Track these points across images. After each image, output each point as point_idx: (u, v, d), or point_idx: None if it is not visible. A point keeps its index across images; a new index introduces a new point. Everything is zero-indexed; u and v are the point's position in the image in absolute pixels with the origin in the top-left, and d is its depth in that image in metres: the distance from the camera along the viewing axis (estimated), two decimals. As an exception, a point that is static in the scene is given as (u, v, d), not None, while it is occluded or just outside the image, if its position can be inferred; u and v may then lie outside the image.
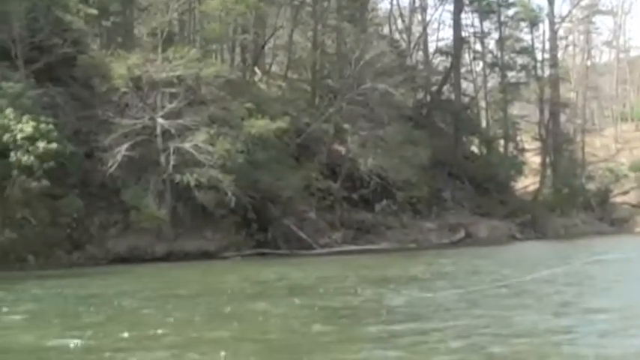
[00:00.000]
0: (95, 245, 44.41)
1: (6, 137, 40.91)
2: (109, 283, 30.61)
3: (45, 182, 41.29)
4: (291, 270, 35.88)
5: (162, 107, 46.54)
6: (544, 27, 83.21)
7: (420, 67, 76.84)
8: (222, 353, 13.60)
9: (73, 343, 15.40)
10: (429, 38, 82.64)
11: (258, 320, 18.64)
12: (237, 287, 27.94)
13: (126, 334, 16.25)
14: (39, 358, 14.39)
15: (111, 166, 44.20)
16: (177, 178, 45.18)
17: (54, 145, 41.32)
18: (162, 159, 45.63)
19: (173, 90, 47.20)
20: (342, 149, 57.44)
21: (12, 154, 40.95)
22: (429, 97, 74.31)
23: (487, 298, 21.74)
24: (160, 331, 16.69)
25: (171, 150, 45.39)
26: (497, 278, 26.66)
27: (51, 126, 41.91)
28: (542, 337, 15.49)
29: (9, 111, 41.30)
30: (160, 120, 45.98)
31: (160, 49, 48.52)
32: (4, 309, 21.54)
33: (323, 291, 24.64)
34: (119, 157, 44.32)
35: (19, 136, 40.93)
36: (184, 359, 13.85)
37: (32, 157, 40.84)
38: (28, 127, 41.07)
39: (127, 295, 25.62)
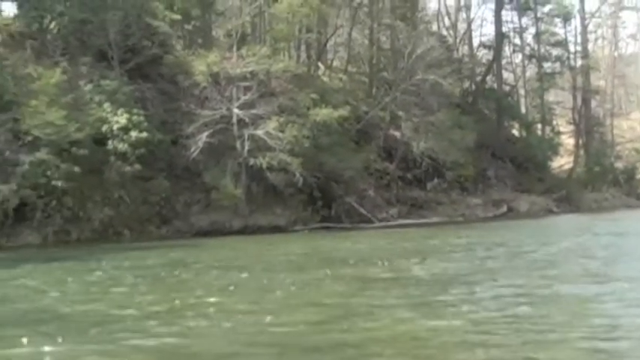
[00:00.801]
0: (181, 220, 44.93)
1: (104, 128, 41.74)
2: (189, 254, 30.91)
3: (137, 166, 42.04)
4: (349, 241, 35.86)
5: (238, 99, 46.84)
6: (576, 22, 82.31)
7: (466, 59, 76.23)
8: (268, 318, 13.44)
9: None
10: (473, 34, 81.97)
11: (309, 287, 18.51)
12: (299, 257, 28.17)
13: (199, 293, 16.55)
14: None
15: (193, 152, 44.68)
16: (252, 161, 45.46)
17: (144, 134, 42.02)
18: (238, 145, 45.96)
19: (247, 84, 47.51)
20: (397, 134, 57.33)
21: (109, 142, 41.77)
22: (474, 87, 73.77)
23: (520, 266, 21.44)
24: (212, 299, 16.60)
25: (246, 136, 45.71)
26: (529, 249, 26.50)
27: (142, 117, 42.60)
28: (567, 301, 15.21)
29: (106, 105, 42.12)
30: (235, 110, 46.33)
31: (235, 48, 48.90)
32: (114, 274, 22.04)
33: (376, 260, 24.38)
34: (200, 144, 44.75)
35: (115, 127, 41.74)
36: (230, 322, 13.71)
37: (126, 145, 41.58)
38: (122, 118, 41.81)
39: (204, 262, 26.01)
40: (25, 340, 12.07)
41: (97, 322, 13.77)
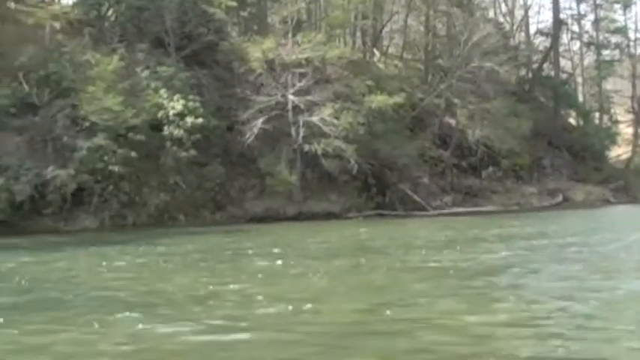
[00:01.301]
0: (235, 206, 45.11)
1: (160, 114, 41.97)
2: (241, 239, 30.91)
3: (193, 152, 42.22)
4: (402, 229, 35.65)
5: (293, 85, 46.80)
6: (636, 8, 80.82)
7: (523, 46, 75.12)
8: (308, 306, 13.26)
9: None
10: (530, 20, 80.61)
11: (351, 274, 18.33)
12: (349, 244, 28.04)
13: (243, 278, 16.47)
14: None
15: (248, 138, 44.78)
16: (306, 147, 45.39)
17: (200, 120, 42.17)
18: (293, 131, 45.93)
19: (302, 70, 47.47)
20: (452, 121, 56.85)
21: (165, 128, 42.01)
22: (530, 74, 72.70)
23: (574, 258, 20.90)
24: (255, 286, 16.42)
25: (301, 123, 45.66)
26: (585, 240, 25.99)
27: (197, 104, 42.78)
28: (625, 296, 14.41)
29: (163, 91, 42.36)
30: (290, 97, 46.28)
31: (290, 35, 48.88)
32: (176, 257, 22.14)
33: (424, 248, 23.97)
34: (255, 130, 44.84)
35: (171, 113, 41.96)
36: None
37: (182, 131, 41.78)
38: (178, 104, 42.01)
39: (257, 247, 26.03)
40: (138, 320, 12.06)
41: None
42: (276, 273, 18.53)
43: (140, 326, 11.55)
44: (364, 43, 59.66)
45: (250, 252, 24.44)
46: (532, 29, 79.31)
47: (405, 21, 61.85)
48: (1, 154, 37.88)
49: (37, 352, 10.48)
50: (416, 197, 49.84)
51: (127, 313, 12.54)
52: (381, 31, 61.56)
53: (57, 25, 46.00)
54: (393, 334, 10.93)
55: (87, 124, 39.85)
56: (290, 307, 12.81)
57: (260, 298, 14.12)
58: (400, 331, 11.04)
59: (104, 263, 21.63)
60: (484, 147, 54.56)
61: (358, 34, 59.85)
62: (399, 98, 48.95)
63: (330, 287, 15.85)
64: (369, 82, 49.72)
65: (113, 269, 20.28)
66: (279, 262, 20.39)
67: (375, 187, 48.99)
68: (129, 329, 11.47)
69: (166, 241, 30.37)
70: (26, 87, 39.96)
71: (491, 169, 57.48)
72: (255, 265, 20.38)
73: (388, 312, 12.27)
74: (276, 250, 24.42)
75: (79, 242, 30.27)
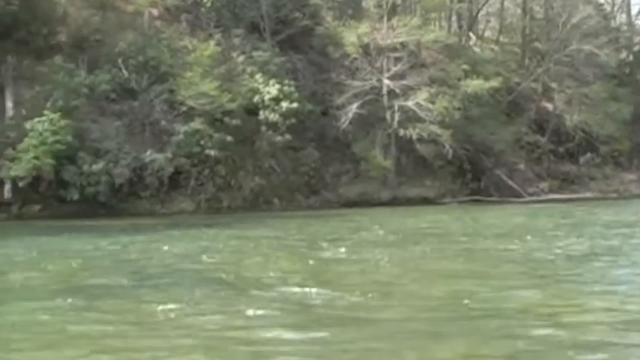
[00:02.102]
0: (329, 191, 45.07)
1: (256, 98, 42.13)
2: (336, 223, 30.82)
3: (287, 136, 42.28)
4: (496, 214, 35.13)
5: (388, 70, 46.42)
6: None
7: (624, 28, 72.87)
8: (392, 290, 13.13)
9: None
10: (632, 1, 78.35)
11: (439, 258, 18.13)
12: (440, 228, 27.69)
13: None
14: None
15: (343, 123, 44.71)
16: (401, 132, 45.05)
17: (295, 105, 42.17)
18: (388, 116, 45.58)
19: (397, 54, 47.12)
20: (549, 106, 55.52)
21: (261, 112, 42.17)
22: (631, 57, 70.45)
23: None
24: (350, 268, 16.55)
25: (396, 108, 45.30)
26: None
27: (292, 88, 42.78)
28: None
29: (258, 76, 42.49)
30: (385, 81, 45.90)
31: (385, 19, 48.37)
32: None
33: (517, 235, 23.34)
34: (350, 115, 44.70)
35: (266, 97, 42.08)
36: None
37: (277, 115, 41.87)
38: (273, 89, 42.08)
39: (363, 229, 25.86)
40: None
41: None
42: (354, 260, 18.33)
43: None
44: (460, 26, 58.76)
45: (346, 236, 24.31)
46: (634, 10, 76.96)
47: (502, 3, 60.67)
48: (101, 138, 38.53)
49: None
50: (511, 183, 48.91)
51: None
52: (477, 15, 60.45)
53: (155, 11, 46.54)
54: (479, 319, 10.69)
55: (184, 108, 40.29)
56: (376, 293, 12.69)
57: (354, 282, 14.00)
58: (487, 317, 10.80)
59: (203, 244, 21.80)
60: (582, 132, 53.24)
61: (454, 17, 58.92)
62: (495, 82, 48.12)
63: (415, 273, 15.61)
64: (465, 66, 49.01)
65: (214, 250, 20.39)
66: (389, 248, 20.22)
67: (470, 173, 48.32)
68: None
69: (260, 224, 30.54)
70: (125, 73, 40.54)
71: (589, 155, 55.91)
72: (344, 250, 20.19)
73: (468, 300, 11.96)
74: (367, 235, 24.29)
75: (176, 224, 30.57)
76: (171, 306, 11.73)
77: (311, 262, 17.50)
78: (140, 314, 11.60)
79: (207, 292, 13.26)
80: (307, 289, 13.28)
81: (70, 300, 12.47)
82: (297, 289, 13.42)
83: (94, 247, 22.32)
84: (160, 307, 11.65)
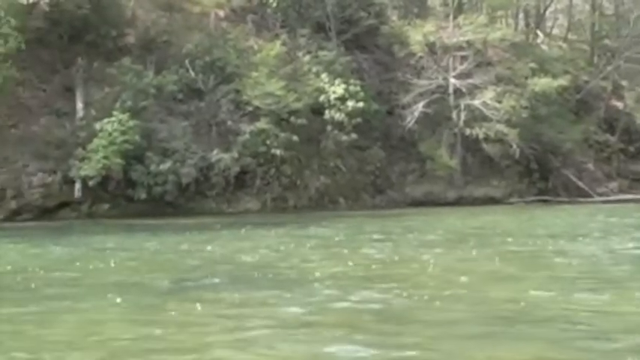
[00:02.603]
0: (395, 190, 44.84)
1: (322, 98, 42.06)
2: (398, 223, 30.55)
3: (353, 136, 42.14)
4: (562, 215, 34.51)
5: (454, 68, 45.97)
6: None
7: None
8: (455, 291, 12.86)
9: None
10: None
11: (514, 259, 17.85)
12: (505, 229, 27.19)
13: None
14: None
15: (409, 122, 44.44)
16: (467, 131, 44.60)
17: (361, 104, 42.02)
18: (454, 115, 45.16)
19: (463, 53, 46.63)
20: (619, 104, 54.40)
21: (326, 112, 42.08)
22: None
23: None
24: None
25: (462, 107, 44.86)
26: None
27: (358, 87, 42.64)
28: None
29: (324, 75, 42.43)
30: (452, 80, 45.47)
31: (451, 17, 47.88)
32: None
33: (578, 236, 22.98)
34: (416, 114, 44.40)
35: (332, 97, 42.00)
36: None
37: (343, 115, 41.76)
38: (339, 89, 41.98)
39: (427, 231, 25.58)
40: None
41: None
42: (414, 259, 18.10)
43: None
44: (527, 24, 57.98)
45: (406, 235, 24.08)
46: None
47: (570, 0, 59.60)
48: (168, 138, 38.80)
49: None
50: (580, 183, 48.00)
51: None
52: (544, 12, 59.57)
53: (221, 12, 46.80)
54: (541, 322, 10.50)
55: (250, 108, 40.40)
56: (433, 294, 12.56)
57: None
58: (549, 320, 10.62)
59: (268, 243, 21.90)
60: (653, 131, 52.03)
61: (521, 15, 58.18)
62: (563, 81, 47.25)
63: (471, 274, 15.26)
64: (533, 65, 48.25)
65: (274, 249, 20.38)
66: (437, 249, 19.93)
67: (537, 173, 47.55)
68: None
69: (324, 223, 30.50)
70: (192, 73, 40.79)
71: (660, 154, 54.64)
72: (416, 249, 19.99)
73: (524, 303, 11.75)
74: (431, 237, 24.03)
75: (242, 223, 30.64)
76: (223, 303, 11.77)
77: (366, 261, 17.40)
78: (187, 311, 11.60)
79: (267, 291, 13.26)
80: (363, 291, 13.16)
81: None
82: (350, 289, 13.30)
83: (162, 244, 22.50)
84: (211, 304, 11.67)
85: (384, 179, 44.78)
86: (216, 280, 14.87)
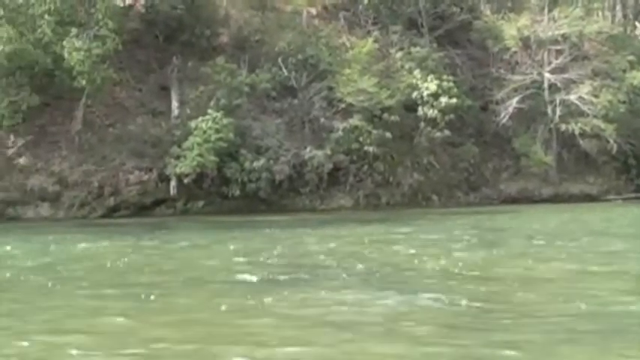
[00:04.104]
0: (489, 187, 43.97)
1: (414, 94, 41.52)
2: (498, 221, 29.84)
3: (446, 132, 41.60)
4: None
5: (549, 63, 44.81)
6: None
7: None
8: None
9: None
10: None
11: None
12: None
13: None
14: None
15: (503, 117, 43.51)
16: (563, 127, 43.42)
17: (454, 100, 41.35)
18: (549, 110, 43.97)
19: (558, 47, 45.41)
20: None
21: (419, 108, 41.51)
22: None
23: None
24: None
25: (557, 102, 43.67)
26: None
27: (451, 83, 41.97)
28: None
29: (417, 72, 41.91)
30: (547, 74, 44.30)
31: (546, 10, 46.61)
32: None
33: None
34: (510, 109, 43.45)
35: (425, 93, 41.42)
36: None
37: (436, 111, 41.19)
38: (432, 85, 41.35)
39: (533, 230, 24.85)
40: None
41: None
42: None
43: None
44: (625, 15, 56.21)
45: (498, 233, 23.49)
46: None
47: (670, -9, 57.56)
48: (262, 135, 38.77)
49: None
50: (681, 180, 46.16)
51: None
52: (643, 4, 57.68)
53: (313, 10, 46.55)
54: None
55: (343, 105, 40.13)
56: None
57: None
58: None
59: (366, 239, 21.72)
60: None
61: (618, 7, 56.43)
62: (662, 74, 45.53)
63: (565, 272, 14.93)
64: (631, 58, 46.79)
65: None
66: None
67: (635, 169, 46.08)
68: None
69: (415, 221, 30.21)
70: (285, 71, 40.69)
71: None
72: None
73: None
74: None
75: (333, 220, 30.44)
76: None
77: (456, 257, 17.10)
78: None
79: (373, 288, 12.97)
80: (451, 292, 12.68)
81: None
82: (436, 288, 12.99)
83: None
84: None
85: (478, 176, 43.90)
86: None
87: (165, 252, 20.44)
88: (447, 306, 11.35)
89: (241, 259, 17.73)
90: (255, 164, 37.20)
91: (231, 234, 25.49)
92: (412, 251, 18.74)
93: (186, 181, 36.43)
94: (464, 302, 11.46)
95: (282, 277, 14.51)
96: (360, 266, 16.09)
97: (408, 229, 26.06)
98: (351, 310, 11.20)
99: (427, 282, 13.78)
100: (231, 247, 20.46)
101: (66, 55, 35.57)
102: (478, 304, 11.34)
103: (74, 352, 8.86)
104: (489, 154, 44.44)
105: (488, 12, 50.17)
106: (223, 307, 11.42)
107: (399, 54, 43.40)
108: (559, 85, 43.84)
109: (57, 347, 9.22)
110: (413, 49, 43.10)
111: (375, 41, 42.88)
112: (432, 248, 19.72)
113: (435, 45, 44.39)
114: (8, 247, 21.22)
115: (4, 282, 14.84)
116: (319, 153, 38.61)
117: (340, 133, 39.27)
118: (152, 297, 12.42)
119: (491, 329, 9.84)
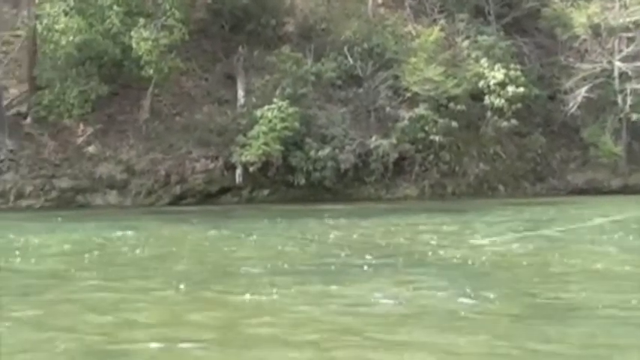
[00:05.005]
0: (556, 178, 43.14)
1: (481, 83, 40.89)
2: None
3: (513, 122, 40.88)
4: None
5: (620, 51, 43.59)
6: None
7: None
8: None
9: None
10: None
11: None
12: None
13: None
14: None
15: (571, 107, 42.51)
16: (633, 117, 42.19)
17: (521, 90, 40.59)
18: (619, 99, 42.81)
19: (630, 34, 44.05)
20: None
21: (486, 97, 40.89)
22: None
23: None
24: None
25: (628, 91, 42.46)
26: None
27: (519, 72, 41.19)
28: None
29: (483, 60, 41.24)
30: (617, 63, 43.13)
31: (618, -3, 45.46)
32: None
33: None
34: (579, 99, 42.41)
35: (492, 82, 40.73)
36: None
37: (503, 100, 40.49)
38: (499, 74, 40.66)
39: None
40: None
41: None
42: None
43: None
44: (698, 3, 54.37)
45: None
46: None
47: None
48: (327, 124, 38.62)
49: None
50: None
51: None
52: None
53: (379, -1, 46.21)
54: None
55: (408, 94, 39.76)
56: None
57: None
58: None
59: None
60: None
61: (693, -7, 54.58)
62: None
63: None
64: None
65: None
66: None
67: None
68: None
69: (480, 211, 30.09)
70: (351, 60, 40.48)
71: None
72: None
73: None
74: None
75: (400, 209, 30.17)
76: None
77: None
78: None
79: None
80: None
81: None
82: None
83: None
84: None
85: (545, 166, 43.12)
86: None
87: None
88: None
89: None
90: (321, 153, 37.07)
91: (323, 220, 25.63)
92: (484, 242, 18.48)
93: (251, 169, 36.46)
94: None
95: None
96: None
97: (485, 219, 25.70)
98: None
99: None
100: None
101: (134, 45, 35.88)
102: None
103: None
104: (557, 144, 43.58)
105: (557, -1, 49.22)
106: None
107: (466, 42, 42.75)
108: (630, 73, 42.63)
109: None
110: (479, 38, 42.39)
111: (441, 30, 42.28)
112: (501, 238, 19.36)
113: (502, 33, 43.57)
114: (120, 233, 21.86)
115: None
116: (385, 142, 38.31)
117: (406, 122, 38.94)
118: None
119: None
